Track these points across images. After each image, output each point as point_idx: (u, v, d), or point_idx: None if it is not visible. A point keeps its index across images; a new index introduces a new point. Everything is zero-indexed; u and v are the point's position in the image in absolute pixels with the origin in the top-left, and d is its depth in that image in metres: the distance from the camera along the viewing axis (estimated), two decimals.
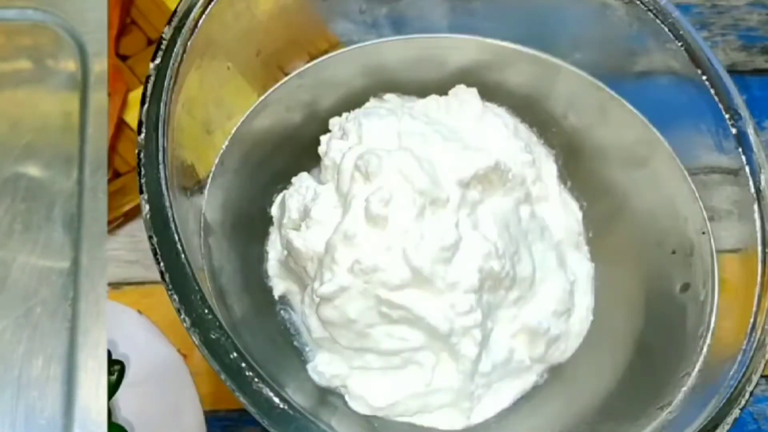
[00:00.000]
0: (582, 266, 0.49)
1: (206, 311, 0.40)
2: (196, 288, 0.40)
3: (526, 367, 0.46)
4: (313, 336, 0.46)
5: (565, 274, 0.48)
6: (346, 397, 0.45)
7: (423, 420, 0.45)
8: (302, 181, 0.47)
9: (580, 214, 0.50)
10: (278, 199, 0.48)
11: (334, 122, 0.49)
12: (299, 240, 0.45)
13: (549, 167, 0.50)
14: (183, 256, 0.40)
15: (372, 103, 0.50)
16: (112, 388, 0.49)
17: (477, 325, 0.44)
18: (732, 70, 0.48)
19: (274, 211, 0.48)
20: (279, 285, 0.48)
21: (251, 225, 0.48)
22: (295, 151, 0.50)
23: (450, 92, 0.49)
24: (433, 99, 0.49)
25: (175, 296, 0.40)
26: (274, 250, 0.48)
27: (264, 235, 0.48)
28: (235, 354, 0.39)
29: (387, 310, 0.43)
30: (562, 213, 0.49)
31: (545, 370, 0.47)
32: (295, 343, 0.46)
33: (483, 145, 0.46)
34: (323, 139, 0.48)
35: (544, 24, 0.52)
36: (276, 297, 0.47)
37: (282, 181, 0.49)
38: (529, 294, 0.46)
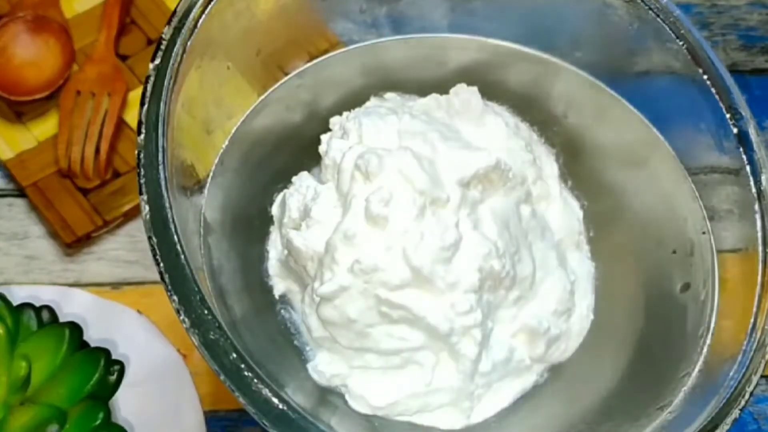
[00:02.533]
0: (583, 266, 0.49)
1: (206, 312, 0.40)
2: (196, 289, 0.40)
3: (526, 367, 0.46)
4: (314, 335, 0.45)
5: (565, 274, 0.48)
6: (346, 397, 0.45)
7: (423, 419, 0.45)
8: (302, 180, 0.47)
9: (580, 213, 0.50)
10: (278, 198, 0.48)
11: (334, 121, 0.49)
12: (299, 239, 0.45)
13: (550, 166, 0.50)
14: (183, 257, 0.40)
15: (372, 102, 0.50)
16: (112, 389, 0.49)
17: (477, 324, 0.44)
18: (732, 70, 0.48)
19: (275, 210, 0.48)
20: (279, 284, 0.47)
21: (251, 224, 0.48)
22: (296, 151, 0.50)
23: (451, 91, 0.49)
24: (433, 98, 0.49)
25: (175, 297, 0.40)
26: (274, 249, 0.48)
27: (264, 235, 0.48)
28: (234, 355, 0.39)
29: (387, 310, 0.43)
30: (562, 212, 0.49)
31: (545, 369, 0.47)
32: (296, 342, 0.46)
33: (484, 144, 0.46)
34: (324, 138, 0.48)
35: (544, 23, 0.52)
36: (276, 296, 0.47)
37: (282, 180, 0.49)
38: (530, 294, 0.46)
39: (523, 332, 0.46)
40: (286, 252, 0.46)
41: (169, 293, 0.40)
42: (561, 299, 0.47)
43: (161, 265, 0.40)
